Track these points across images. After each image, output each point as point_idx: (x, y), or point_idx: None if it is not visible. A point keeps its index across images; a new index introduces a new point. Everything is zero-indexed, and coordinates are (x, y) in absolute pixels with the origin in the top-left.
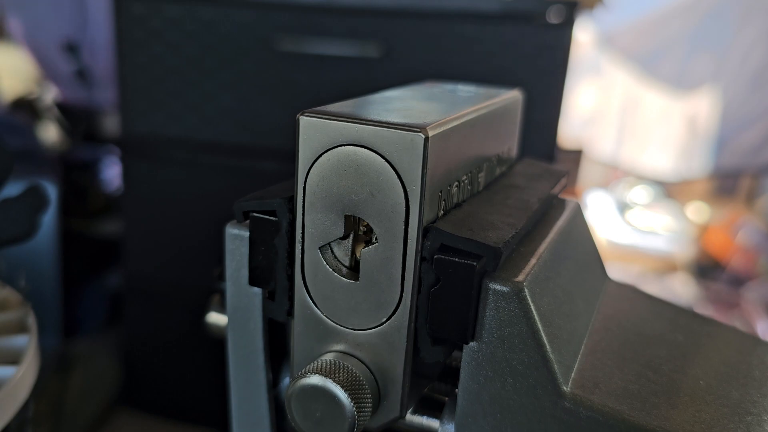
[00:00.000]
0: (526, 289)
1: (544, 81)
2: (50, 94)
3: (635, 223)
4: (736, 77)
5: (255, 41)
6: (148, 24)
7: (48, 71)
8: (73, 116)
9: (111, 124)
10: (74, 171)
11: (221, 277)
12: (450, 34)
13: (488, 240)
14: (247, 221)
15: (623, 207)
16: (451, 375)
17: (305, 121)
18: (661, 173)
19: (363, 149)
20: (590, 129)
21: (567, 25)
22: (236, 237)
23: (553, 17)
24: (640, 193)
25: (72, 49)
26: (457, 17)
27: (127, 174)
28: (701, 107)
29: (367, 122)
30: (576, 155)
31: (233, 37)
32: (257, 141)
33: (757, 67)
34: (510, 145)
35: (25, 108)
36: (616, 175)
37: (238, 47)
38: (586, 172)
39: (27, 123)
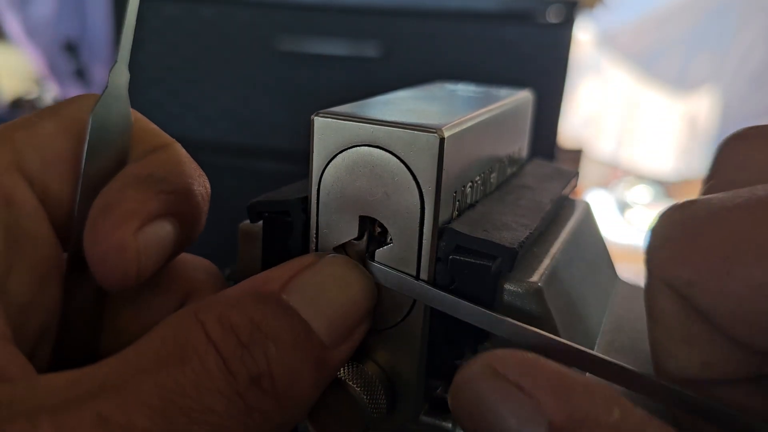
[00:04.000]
0: (540, 290)
1: (544, 81)
2: (50, 94)
3: (635, 223)
4: (736, 77)
5: (255, 41)
6: (148, 24)
7: (48, 71)
8: None
9: None
10: None
11: (231, 277)
12: (450, 34)
13: (503, 241)
14: (260, 221)
15: (623, 206)
16: None
17: (320, 122)
18: (661, 173)
19: (378, 150)
20: (590, 129)
21: (567, 24)
22: (249, 237)
23: (553, 17)
24: (640, 193)
25: (72, 49)
26: (457, 17)
27: None
28: (701, 107)
29: (383, 123)
30: (576, 155)
31: (233, 37)
32: (257, 141)
33: (757, 67)
34: (521, 145)
35: (25, 107)
36: (616, 174)
37: (238, 47)
38: (586, 172)
39: None
